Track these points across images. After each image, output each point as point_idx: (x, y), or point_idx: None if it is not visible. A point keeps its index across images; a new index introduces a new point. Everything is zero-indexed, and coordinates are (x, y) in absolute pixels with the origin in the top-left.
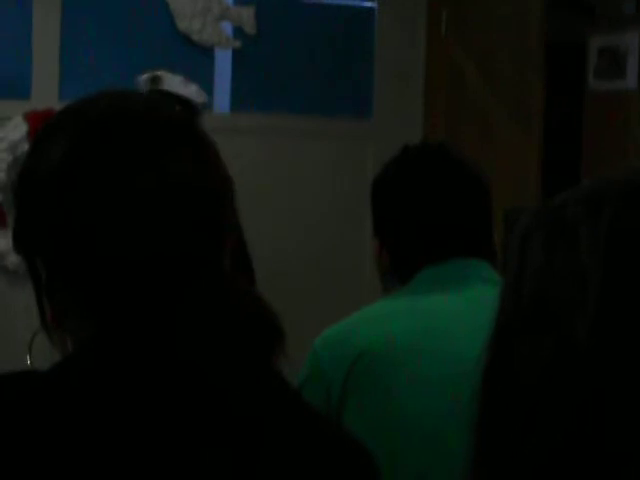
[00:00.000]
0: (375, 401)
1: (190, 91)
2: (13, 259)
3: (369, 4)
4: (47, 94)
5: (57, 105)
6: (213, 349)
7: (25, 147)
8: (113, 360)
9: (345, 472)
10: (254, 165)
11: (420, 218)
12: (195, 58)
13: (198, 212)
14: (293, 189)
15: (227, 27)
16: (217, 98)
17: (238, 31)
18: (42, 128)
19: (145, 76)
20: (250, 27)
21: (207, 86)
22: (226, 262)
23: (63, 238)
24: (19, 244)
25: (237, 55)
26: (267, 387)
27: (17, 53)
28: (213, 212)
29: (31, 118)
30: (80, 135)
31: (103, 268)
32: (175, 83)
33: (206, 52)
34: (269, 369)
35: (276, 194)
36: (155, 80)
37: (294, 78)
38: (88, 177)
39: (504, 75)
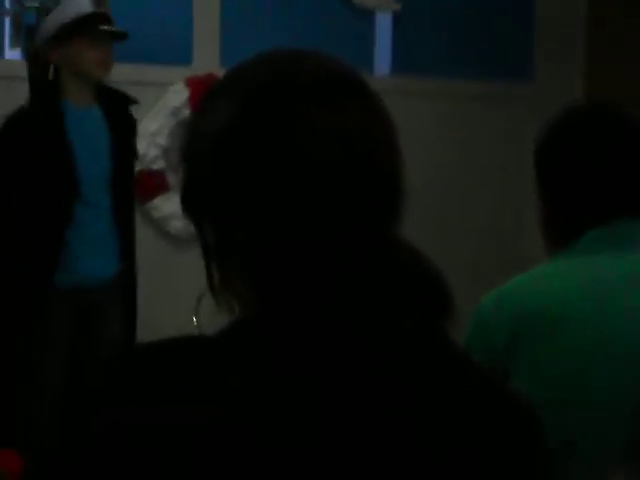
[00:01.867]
0: (552, 360)
1: None
2: (176, 223)
3: None
4: (208, 60)
5: (218, 71)
6: (384, 319)
7: (186, 112)
8: (282, 329)
9: (514, 433)
10: (415, 127)
11: (588, 179)
12: (355, 21)
13: (379, 175)
14: (452, 151)
15: None
16: (378, 60)
17: None
18: (206, 93)
19: None
20: None
21: (367, 49)
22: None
23: (231, 202)
24: (187, 207)
25: (397, 18)
26: (439, 350)
27: (178, 19)
28: (393, 175)
29: (192, 83)
30: (245, 99)
31: (272, 233)
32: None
33: (366, 15)
34: (439, 332)
35: (435, 155)
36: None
37: (454, 41)
38: (255, 140)
39: None
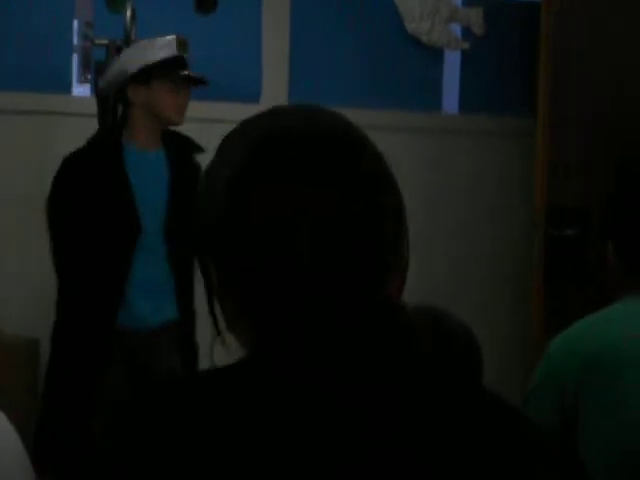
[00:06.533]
0: (608, 404)
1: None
2: None
3: None
4: (276, 98)
5: None
6: (383, 364)
7: None
8: (278, 370)
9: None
10: (482, 166)
11: None
12: (424, 59)
13: (362, 230)
14: (517, 189)
15: (455, 28)
16: (446, 99)
17: (466, 32)
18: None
19: (171, 38)
20: (478, 28)
21: (436, 87)
22: (391, 285)
23: (231, 242)
24: (195, 249)
25: (465, 56)
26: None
27: (248, 58)
28: (376, 232)
29: None
30: (254, 147)
31: (269, 276)
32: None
33: (435, 53)
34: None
35: (502, 194)
36: (182, 45)
37: (522, 79)
38: (260, 186)
39: None
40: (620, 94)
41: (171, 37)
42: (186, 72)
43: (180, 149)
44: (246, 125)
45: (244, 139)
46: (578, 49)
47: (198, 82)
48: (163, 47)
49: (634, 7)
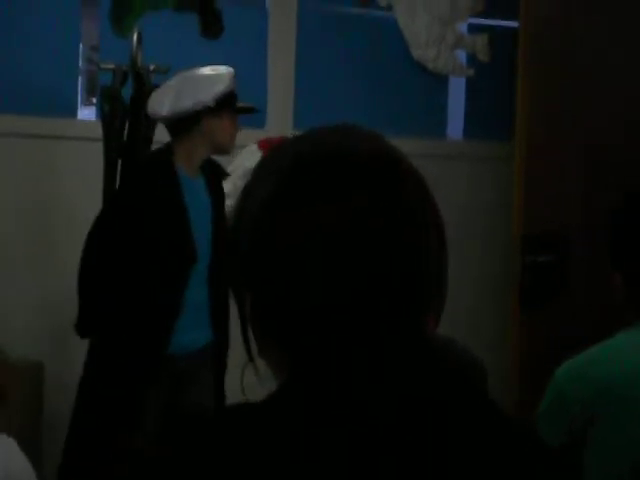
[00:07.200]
0: (614, 436)
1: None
2: None
3: None
4: (282, 123)
5: (291, 133)
6: (411, 398)
7: None
8: (311, 403)
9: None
10: (486, 191)
11: None
12: (429, 86)
13: (405, 260)
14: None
15: (461, 55)
16: (451, 125)
17: (472, 59)
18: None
19: (228, 70)
20: (484, 55)
21: (441, 113)
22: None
23: (263, 274)
24: (231, 277)
25: (471, 83)
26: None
27: (253, 82)
28: (411, 266)
29: (264, 146)
30: (283, 178)
31: (298, 310)
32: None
33: (440, 80)
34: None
35: (504, 222)
36: (235, 77)
37: None
38: (290, 218)
39: None
40: (601, 119)
41: (226, 69)
42: (241, 104)
43: (216, 175)
44: (278, 150)
45: (275, 165)
46: (555, 75)
47: (248, 112)
48: (225, 79)
49: (613, 30)
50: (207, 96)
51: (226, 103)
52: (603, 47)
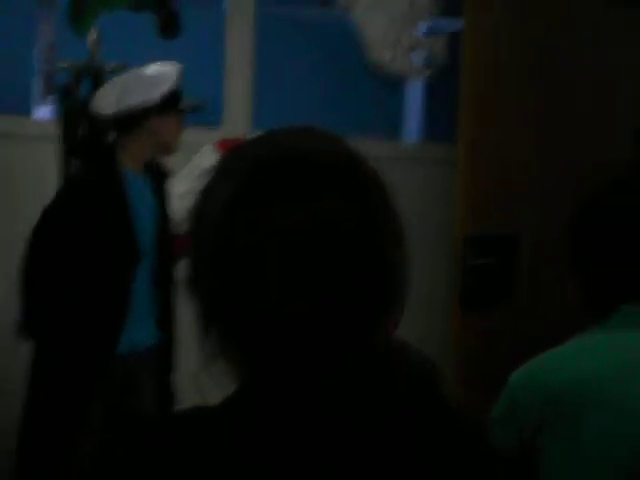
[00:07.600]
0: (569, 437)
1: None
2: None
3: None
4: (239, 123)
5: (249, 133)
6: (375, 406)
7: None
8: (272, 413)
9: None
10: (441, 195)
11: (622, 253)
12: (386, 89)
13: (354, 267)
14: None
15: (420, 57)
16: (407, 128)
17: (430, 61)
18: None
19: (176, 67)
20: (442, 57)
21: (397, 116)
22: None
23: (224, 275)
24: (187, 281)
25: (428, 85)
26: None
27: (209, 81)
28: (370, 268)
29: (221, 146)
30: (244, 179)
31: (256, 312)
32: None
33: (397, 82)
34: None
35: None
36: (182, 73)
37: None
38: (249, 218)
39: None
40: (549, 114)
41: (174, 65)
42: (187, 102)
43: (160, 175)
44: (237, 151)
45: (235, 166)
46: (500, 78)
47: (193, 111)
48: (172, 77)
49: (563, 28)
50: (154, 94)
51: (172, 102)
52: (544, 44)
